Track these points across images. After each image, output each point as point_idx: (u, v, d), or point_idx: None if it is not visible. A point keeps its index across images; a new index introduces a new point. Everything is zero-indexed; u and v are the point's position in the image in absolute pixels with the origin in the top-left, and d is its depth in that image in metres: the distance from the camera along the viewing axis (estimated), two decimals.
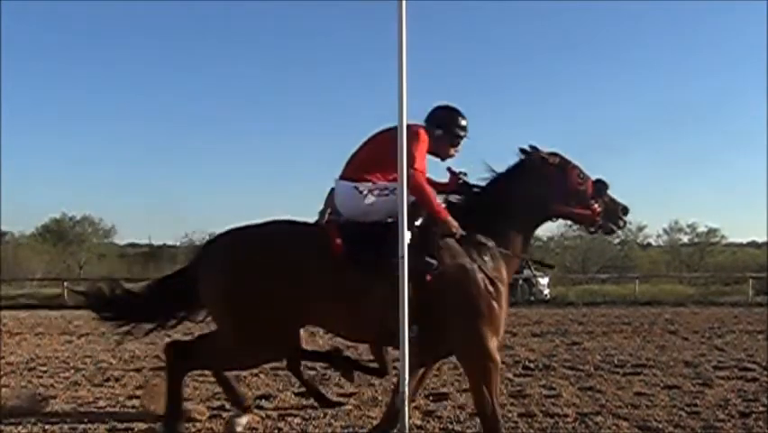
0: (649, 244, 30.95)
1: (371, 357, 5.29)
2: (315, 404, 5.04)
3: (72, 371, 6.68)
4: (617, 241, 28.08)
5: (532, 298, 16.69)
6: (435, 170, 3.90)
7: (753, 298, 17.90)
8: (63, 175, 41.68)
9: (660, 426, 4.37)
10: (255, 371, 6.52)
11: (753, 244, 31.63)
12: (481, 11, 39.65)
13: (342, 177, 3.68)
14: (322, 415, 4.68)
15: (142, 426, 4.38)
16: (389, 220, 3.50)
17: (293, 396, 5.38)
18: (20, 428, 4.35)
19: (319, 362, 5.10)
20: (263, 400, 5.21)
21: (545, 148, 3.78)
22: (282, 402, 5.19)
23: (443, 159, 3.89)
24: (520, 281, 17.08)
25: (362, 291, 3.34)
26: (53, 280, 22.59)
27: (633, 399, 5.20)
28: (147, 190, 41.57)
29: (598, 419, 4.56)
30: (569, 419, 4.56)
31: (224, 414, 4.74)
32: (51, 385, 5.90)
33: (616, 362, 6.97)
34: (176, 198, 40.06)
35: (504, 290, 3.52)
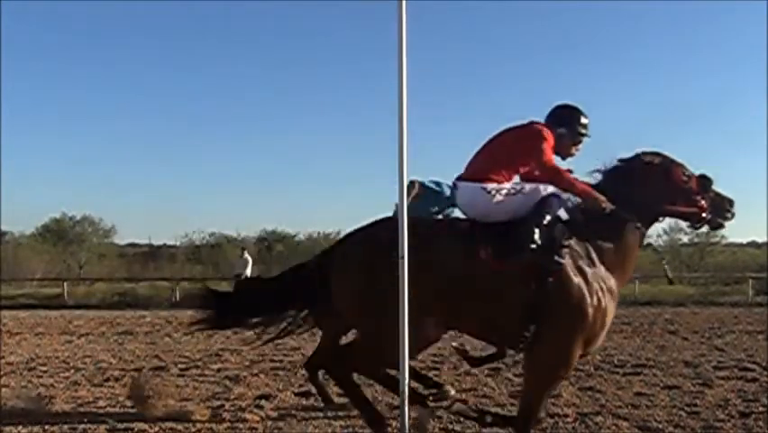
0: (649, 244, 30.94)
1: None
2: (315, 404, 5.04)
3: (72, 371, 6.68)
4: None
5: None
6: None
7: (753, 298, 17.89)
8: (63, 175, 41.66)
9: (660, 426, 4.37)
10: (255, 370, 6.53)
11: (753, 244, 31.61)
12: (481, 11, 39.66)
13: (465, 178, 3.70)
14: (322, 415, 4.68)
15: (142, 426, 4.37)
16: (514, 219, 3.53)
17: (293, 396, 5.38)
18: (20, 428, 4.35)
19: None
20: (263, 400, 5.20)
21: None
22: (282, 402, 5.19)
23: (563, 158, 3.89)
24: None
25: (493, 290, 3.37)
26: (53, 280, 22.59)
27: (633, 399, 5.20)
28: (147, 190, 41.56)
29: (598, 419, 4.56)
30: (569, 419, 4.56)
31: (225, 414, 4.74)
32: (51, 385, 5.90)
33: (616, 362, 6.96)
34: (176, 198, 40.05)
35: (612, 302, 3.53)
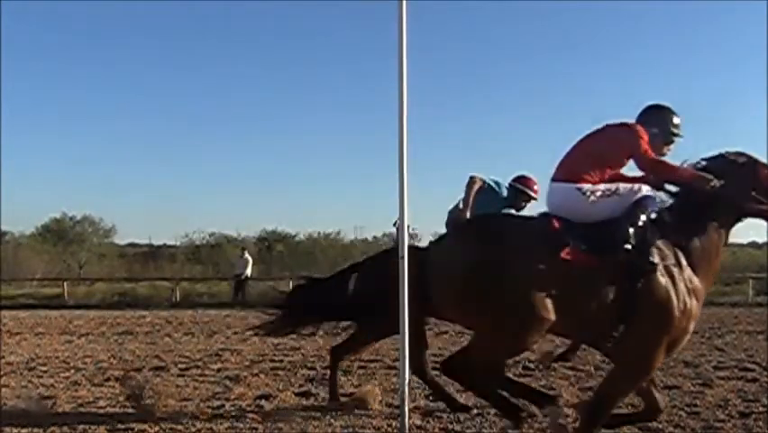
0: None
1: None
2: (315, 404, 5.04)
3: (72, 371, 6.68)
4: None
5: None
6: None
7: (753, 298, 17.89)
8: (63, 175, 41.66)
9: (660, 426, 4.37)
10: (255, 370, 6.53)
11: (753, 245, 31.58)
12: (481, 11, 39.66)
13: (558, 178, 3.70)
14: (322, 415, 4.68)
15: (142, 426, 4.37)
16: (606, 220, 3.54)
17: (293, 396, 5.38)
18: (20, 428, 4.34)
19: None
20: (263, 400, 5.20)
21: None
22: (282, 402, 5.18)
23: None
24: None
25: (586, 290, 3.39)
26: (53, 280, 22.60)
27: (633, 399, 5.19)
28: (147, 190, 41.59)
29: None
30: (569, 419, 4.55)
31: (225, 414, 4.74)
32: (51, 385, 5.90)
33: None
34: (176, 198, 40.08)
35: (697, 304, 3.53)
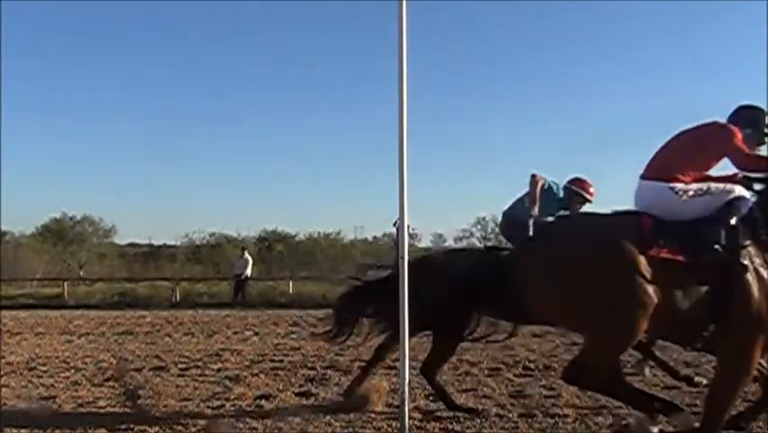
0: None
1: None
2: (315, 404, 5.04)
3: (72, 371, 6.68)
4: None
5: None
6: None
7: None
8: (63, 175, 41.64)
9: (660, 426, 4.36)
10: (255, 370, 6.53)
11: None
12: (481, 11, 39.66)
13: (649, 177, 3.69)
14: (322, 415, 4.68)
15: (142, 426, 4.37)
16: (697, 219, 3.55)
17: (293, 396, 5.38)
18: (20, 428, 4.34)
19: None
20: (263, 400, 5.20)
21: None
22: (282, 402, 5.19)
23: None
24: None
25: (679, 290, 3.39)
26: (53, 280, 22.59)
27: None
28: (147, 190, 41.58)
29: (599, 419, 4.56)
30: (569, 419, 4.56)
31: (225, 414, 4.74)
32: (51, 385, 5.90)
33: None
34: (176, 198, 40.07)
35: None
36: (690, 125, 3.79)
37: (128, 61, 39.94)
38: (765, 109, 3.88)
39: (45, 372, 6.65)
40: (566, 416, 4.65)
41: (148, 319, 12.54)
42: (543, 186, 5.01)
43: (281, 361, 7.21)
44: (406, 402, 4.14)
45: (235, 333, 10.08)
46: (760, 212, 3.65)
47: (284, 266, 27.87)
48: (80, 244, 29.48)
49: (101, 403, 5.13)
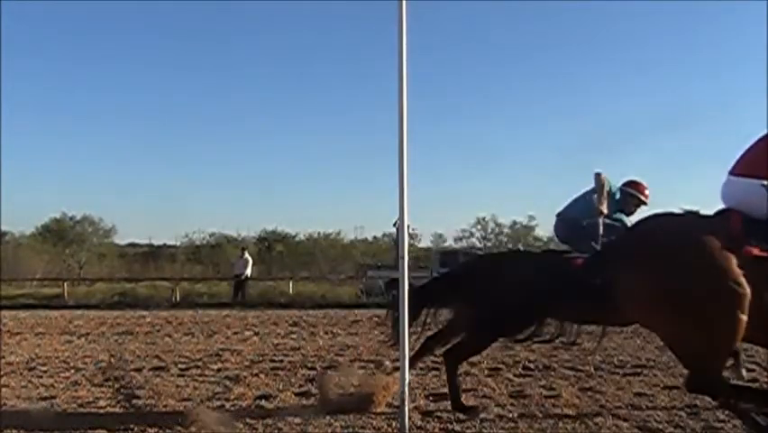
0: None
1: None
2: (315, 404, 5.04)
3: (72, 371, 6.68)
4: None
5: None
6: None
7: None
8: (63, 175, 41.64)
9: (660, 426, 4.37)
10: (255, 370, 6.53)
11: None
12: (481, 10, 39.66)
13: (739, 173, 3.65)
14: (322, 415, 4.68)
15: (142, 426, 4.37)
16: None
17: (293, 396, 5.38)
18: (20, 428, 4.34)
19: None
20: (263, 400, 5.20)
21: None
22: (282, 402, 5.18)
23: None
24: None
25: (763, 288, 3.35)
26: (53, 280, 22.60)
27: (633, 399, 5.20)
28: (147, 190, 41.57)
29: (599, 419, 4.56)
30: (569, 420, 4.56)
31: (225, 414, 4.73)
32: (51, 385, 5.90)
33: (616, 362, 6.96)
34: (176, 198, 40.07)
35: None
36: None
37: (128, 61, 39.97)
38: None
39: (45, 372, 6.65)
40: (566, 416, 4.65)
41: (148, 319, 12.54)
42: (605, 188, 5.00)
43: (281, 361, 7.21)
44: (407, 402, 4.14)
45: (235, 333, 10.08)
46: None
47: (284, 266, 27.88)
48: (80, 244, 29.50)
49: (101, 403, 5.13)
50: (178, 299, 17.93)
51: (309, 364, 6.91)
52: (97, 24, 39.77)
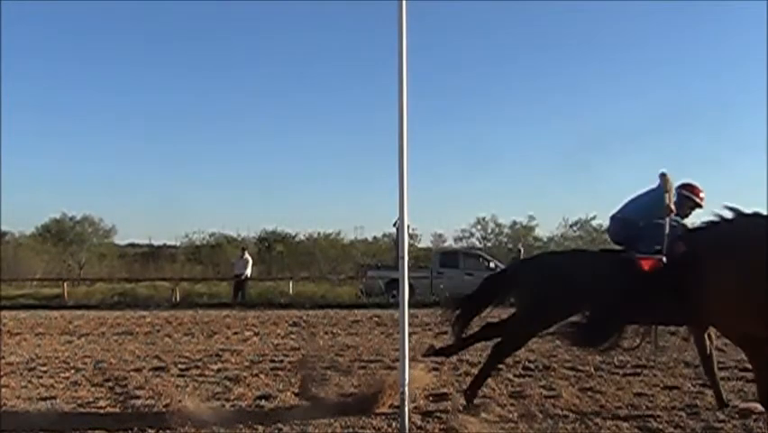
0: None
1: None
2: (315, 404, 5.03)
3: (72, 371, 6.68)
4: None
5: None
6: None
7: None
8: (63, 175, 41.58)
9: (660, 426, 4.38)
10: (255, 371, 6.53)
11: None
12: (481, 11, 39.62)
13: None
14: (322, 415, 4.68)
15: (142, 426, 4.37)
16: None
17: (293, 396, 5.38)
18: (20, 428, 4.34)
19: None
20: (263, 401, 5.20)
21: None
22: (282, 402, 5.18)
23: None
24: None
25: None
26: (53, 280, 22.58)
27: (633, 399, 5.20)
28: (147, 190, 41.49)
29: (598, 419, 4.57)
30: (569, 420, 4.56)
31: (225, 414, 4.73)
32: (51, 385, 5.90)
33: (616, 362, 6.96)
34: (176, 199, 39.99)
35: None
36: None
37: (128, 61, 39.88)
38: None
39: (45, 372, 6.65)
40: (566, 416, 4.65)
41: (148, 319, 12.54)
42: (671, 189, 5.01)
43: (281, 361, 7.21)
44: (407, 402, 4.15)
45: (235, 333, 10.07)
46: None
47: (284, 266, 27.84)
48: (80, 245, 29.45)
49: (101, 403, 5.13)
50: (178, 299, 17.92)
51: (309, 365, 6.91)
52: (97, 24, 39.73)
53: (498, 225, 28.87)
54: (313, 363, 5.42)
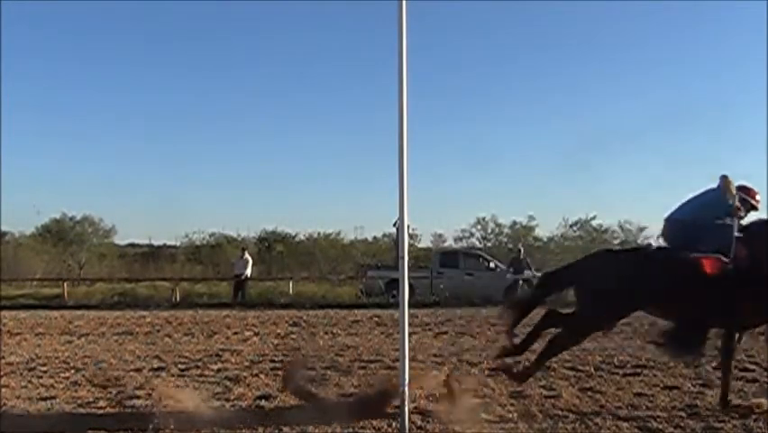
0: (649, 245, 30.89)
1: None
2: (315, 404, 5.03)
3: (72, 371, 6.68)
4: (617, 242, 28.08)
5: None
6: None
7: None
8: (63, 175, 41.55)
9: (660, 426, 4.38)
10: (255, 371, 6.53)
11: None
12: (481, 11, 39.61)
13: None
14: (322, 415, 4.68)
15: (142, 426, 4.37)
16: None
17: (293, 396, 5.38)
18: (20, 428, 4.35)
19: None
20: (263, 401, 5.20)
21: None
22: (282, 402, 5.18)
23: None
24: (520, 282, 17.09)
25: None
26: (53, 280, 22.57)
27: (633, 399, 5.20)
28: (147, 190, 41.45)
29: (598, 419, 4.57)
30: (569, 420, 4.56)
31: (225, 414, 4.74)
32: (51, 385, 5.90)
33: (616, 362, 6.96)
34: (176, 198, 39.96)
35: None
36: None
37: (128, 61, 39.86)
38: None
39: (45, 372, 6.65)
40: (566, 416, 4.65)
41: (148, 319, 12.54)
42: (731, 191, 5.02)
43: (281, 361, 7.21)
44: (407, 402, 4.15)
45: (235, 333, 10.07)
46: None
47: (284, 266, 27.82)
48: (80, 245, 29.44)
49: (101, 403, 5.13)
50: (178, 299, 17.91)
51: (309, 364, 6.91)
52: (97, 24, 39.73)
53: (498, 225, 28.86)
54: (304, 365, 5.40)
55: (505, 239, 28.44)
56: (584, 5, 36.76)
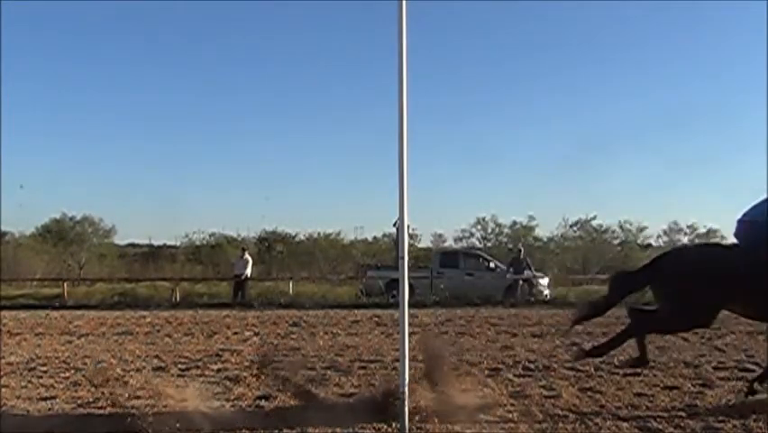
0: (649, 245, 30.92)
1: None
2: (315, 405, 5.04)
3: (72, 371, 6.68)
4: (617, 241, 28.11)
5: (532, 298, 16.66)
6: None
7: None
8: (63, 175, 41.57)
9: (660, 426, 4.38)
10: (255, 371, 6.52)
11: None
12: (481, 11, 39.62)
13: None
14: (321, 415, 4.68)
15: (143, 426, 4.37)
16: None
17: (293, 396, 5.38)
18: (20, 428, 4.35)
19: None
20: (263, 401, 5.20)
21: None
22: (282, 402, 5.18)
23: None
24: (520, 282, 17.08)
25: None
26: (53, 280, 22.57)
27: (633, 399, 5.20)
28: (147, 191, 41.46)
29: (598, 419, 4.57)
30: (569, 420, 4.56)
31: (225, 414, 4.73)
32: (51, 385, 5.90)
33: (616, 362, 6.96)
34: (176, 199, 39.96)
35: None
36: None
37: (128, 61, 39.88)
38: None
39: (45, 372, 6.65)
40: (566, 416, 4.65)
41: (148, 319, 12.53)
42: None
43: (281, 361, 7.20)
44: (406, 402, 4.15)
45: (235, 333, 10.07)
46: None
47: (284, 266, 27.83)
48: (80, 245, 29.46)
49: (101, 403, 5.13)
50: (178, 299, 17.90)
51: (309, 364, 6.91)
52: (97, 24, 39.74)
53: (498, 225, 28.89)
54: (296, 366, 5.40)
55: (505, 239, 28.47)
56: (584, 6, 36.79)
